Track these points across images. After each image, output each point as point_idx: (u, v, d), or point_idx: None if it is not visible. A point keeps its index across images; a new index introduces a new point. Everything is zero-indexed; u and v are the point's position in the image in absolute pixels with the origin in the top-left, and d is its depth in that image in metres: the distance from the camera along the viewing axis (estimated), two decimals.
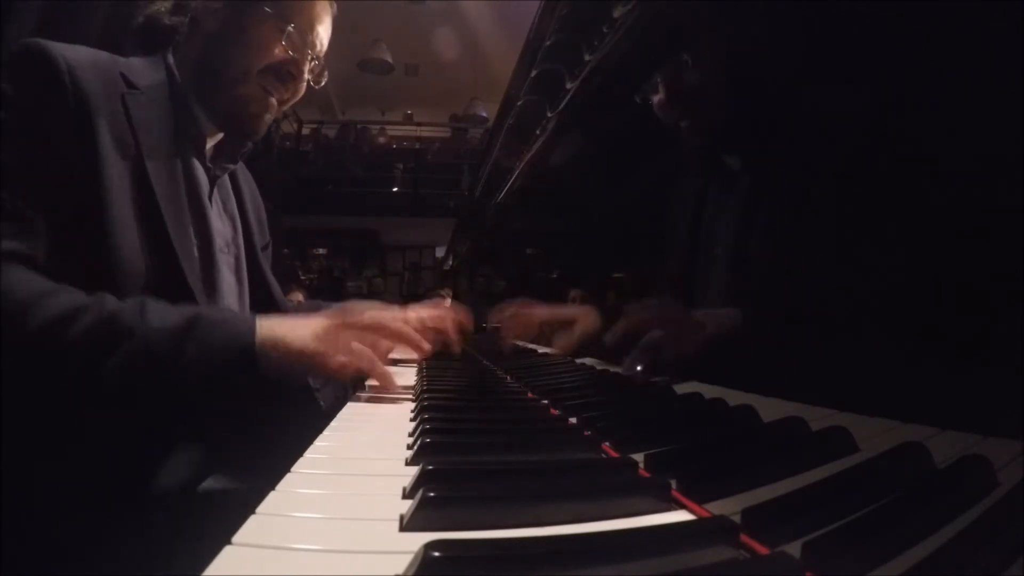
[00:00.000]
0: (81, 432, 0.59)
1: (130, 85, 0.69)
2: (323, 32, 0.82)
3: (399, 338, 0.74)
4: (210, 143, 0.81)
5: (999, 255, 0.31)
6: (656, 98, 0.65)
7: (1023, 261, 0.28)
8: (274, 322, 0.63)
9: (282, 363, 0.62)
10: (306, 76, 0.80)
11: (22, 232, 0.60)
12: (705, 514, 0.30)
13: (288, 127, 7.27)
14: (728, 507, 0.29)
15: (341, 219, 7.16)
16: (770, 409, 0.44)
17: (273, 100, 0.78)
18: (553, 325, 1.00)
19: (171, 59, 0.76)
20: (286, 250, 7.08)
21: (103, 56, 0.69)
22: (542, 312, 1.03)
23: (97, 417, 0.60)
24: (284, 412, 0.73)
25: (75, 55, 0.64)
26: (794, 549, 0.23)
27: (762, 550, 0.24)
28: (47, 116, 0.62)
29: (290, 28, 0.75)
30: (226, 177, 0.86)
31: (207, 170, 0.80)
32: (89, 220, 0.62)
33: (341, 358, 0.65)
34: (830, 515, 0.26)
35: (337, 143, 7.74)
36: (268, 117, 0.79)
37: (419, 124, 8.23)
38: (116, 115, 0.66)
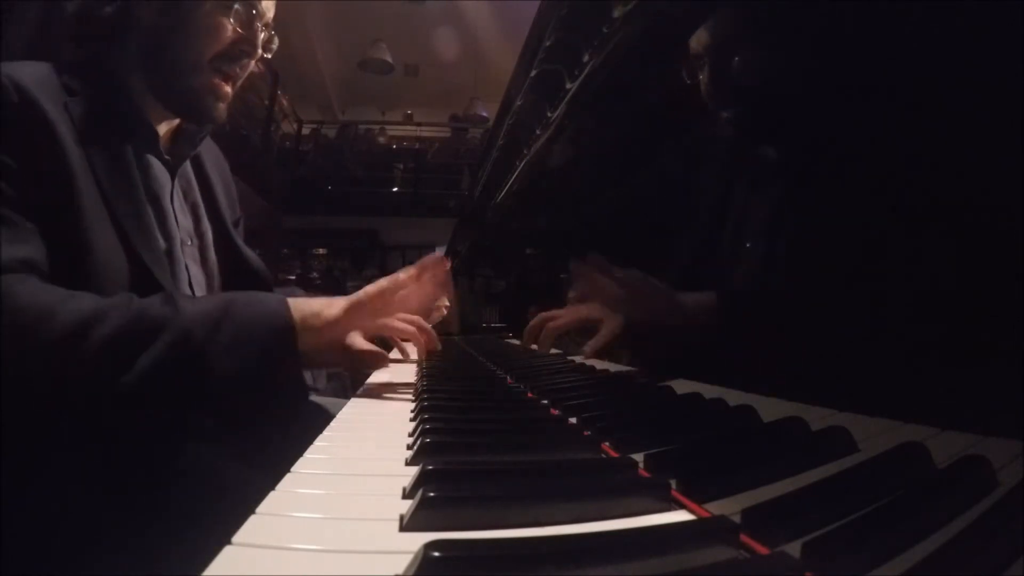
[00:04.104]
0: (85, 440, 0.58)
1: (71, 92, 0.67)
2: None
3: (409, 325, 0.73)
4: (164, 129, 0.78)
5: (1000, 254, 0.31)
6: (701, 79, 0.63)
7: (1023, 260, 0.28)
8: (301, 300, 0.63)
9: (321, 336, 0.61)
10: (259, 49, 0.77)
11: (27, 239, 0.59)
12: (705, 514, 0.30)
13: (288, 127, 7.26)
14: (728, 507, 0.29)
15: (341, 219, 7.15)
16: (770, 409, 0.44)
17: (228, 87, 0.76)
18: (578, 329, 0.97)
19: (112, 54, 0.73)
20: (286, 250, 7.08)
21: (42, 68, 0.68)
22: (565, 319, 1.00)
23: (111, 422, 0.58)
24: (284, 412, 0.72)
25: (12, 71, 0.63)
26: (794, 549, 0.23)
27: (762, 550, 0.24)
28: (8, 131, 0.61)
29: (236, 6, 0.72)
30: (186, 162, 0.84)
31: (165, 163, 0.77)
32: (67, 229, 0.62)
33: (380, 322, 0.66)
34: (830, 515, 0.26)
35: (337, 143, 7.73)
36: (227, 100, 0.77)
37: (419, 124, 8.22)
38: (66, 124, 0.65)
